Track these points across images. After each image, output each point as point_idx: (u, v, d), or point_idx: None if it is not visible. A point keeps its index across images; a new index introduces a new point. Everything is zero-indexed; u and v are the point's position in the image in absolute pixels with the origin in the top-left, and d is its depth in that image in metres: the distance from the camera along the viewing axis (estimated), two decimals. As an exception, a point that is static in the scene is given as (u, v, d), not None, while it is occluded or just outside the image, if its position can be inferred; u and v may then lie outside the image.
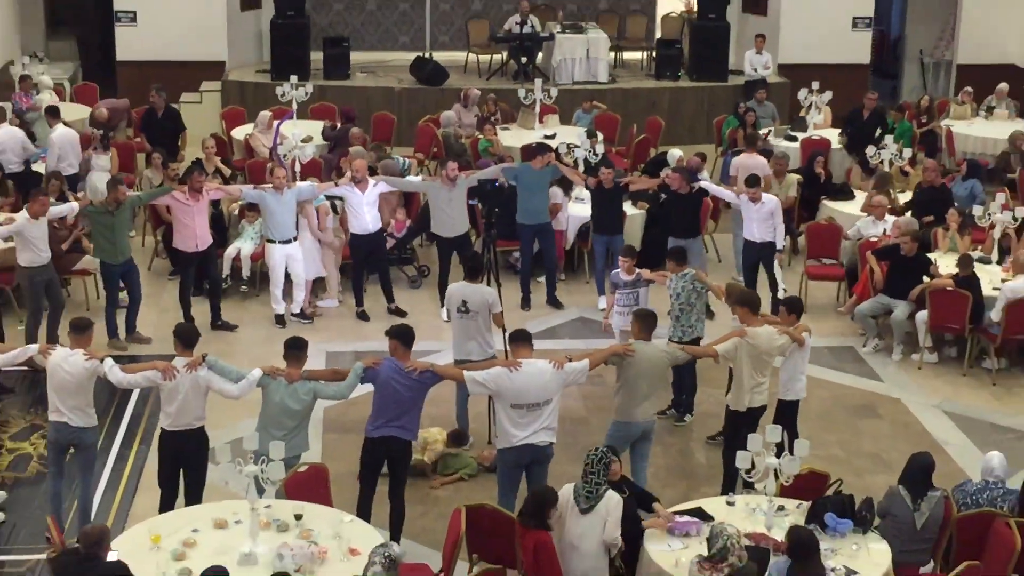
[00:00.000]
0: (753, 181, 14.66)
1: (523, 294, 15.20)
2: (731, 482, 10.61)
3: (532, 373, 9.88)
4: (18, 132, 16.96)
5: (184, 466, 10.02)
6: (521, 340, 10.18)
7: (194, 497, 10.03)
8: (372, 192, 14.73)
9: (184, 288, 14.46)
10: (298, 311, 14.75)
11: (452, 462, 11.54)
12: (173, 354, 10.01)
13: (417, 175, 16.80)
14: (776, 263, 14.73)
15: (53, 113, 17.26)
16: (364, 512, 9.78)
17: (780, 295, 14.08)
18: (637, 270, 12.67)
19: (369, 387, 10.07)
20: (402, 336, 10.09)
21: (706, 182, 15.31)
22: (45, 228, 13.42)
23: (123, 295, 14.11)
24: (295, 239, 14.59)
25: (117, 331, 13.94)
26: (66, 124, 17.61)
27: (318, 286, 15.20)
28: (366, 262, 14.94)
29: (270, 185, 14.52)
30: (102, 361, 9.91)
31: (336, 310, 15.06)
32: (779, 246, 14.68)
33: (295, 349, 9.95)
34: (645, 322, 10.55)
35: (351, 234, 14.88)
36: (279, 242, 14.45)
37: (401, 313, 14.62)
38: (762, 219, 14.44)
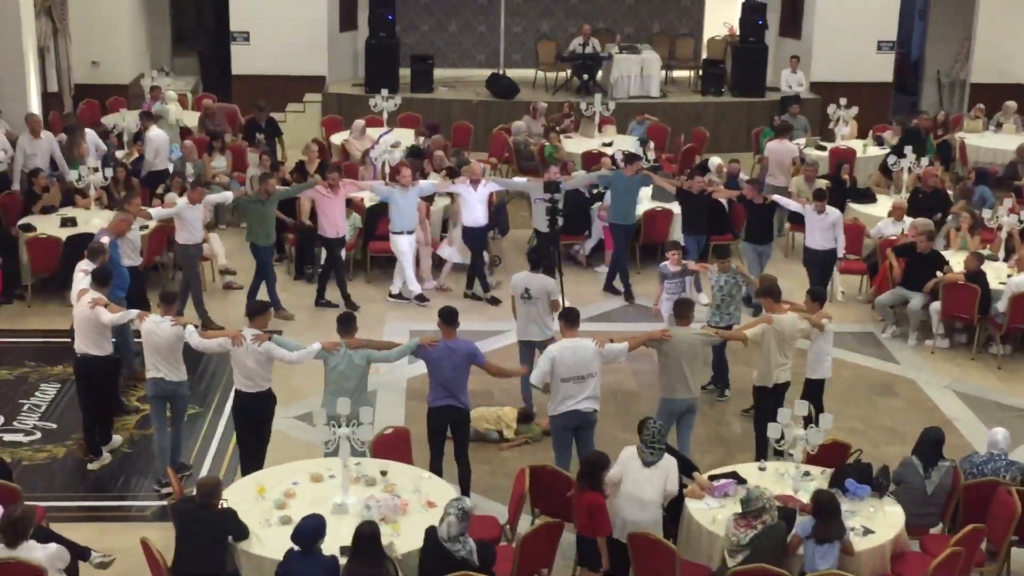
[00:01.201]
0: (819, 195, 14.33)
1: (624, 287, 14.98)
2: (763, 450, 10.56)
3: (576, 349, 9.91)
4: (90, 134, 16.82)
5: (255, 422, 10.15)
6: (567, 319, 10.23)
7: (261, 452, 10.16)
8: (483, 190, 14.66)
9: (339, 272, 14.51)
10: (396, 292, 14.72)
11: (521, 429, 11.57)
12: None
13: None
14: (836, 270, 14.30)
15: (148, 117, 17.36)
16: (434, 471, 9.80)
17: (829, 298, 13.88)
18: (683, 262, 12.61)
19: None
20: (444, 316, 10.12)
21: (777, 196, 14.82)
22: (201, 212, 13.71)
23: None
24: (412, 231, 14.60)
25: (280, 303, 14.05)
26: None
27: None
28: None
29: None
30: (184, 327, 10.12)
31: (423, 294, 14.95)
32: (839, 254, 14.24)
33: (346, 324, 10.02)
34: (682, 309, 10.52)
35: (464, 226, 14.82)
36: (405, 232, 14.45)
37: (476, 297, 14.62)
38: (824, 229, 14.02)
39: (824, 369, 11.12)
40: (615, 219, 15.02)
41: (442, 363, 9.89)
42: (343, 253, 15.08)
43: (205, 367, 12.60)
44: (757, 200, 14.34)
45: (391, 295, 14.74)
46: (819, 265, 14.20)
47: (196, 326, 10.34)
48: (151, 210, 13.66)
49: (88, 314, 10.52)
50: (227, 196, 14.36)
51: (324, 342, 9.97)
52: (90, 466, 10.88)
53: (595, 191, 15.70)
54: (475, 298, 14.73)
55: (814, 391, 10.99)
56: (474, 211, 14.63)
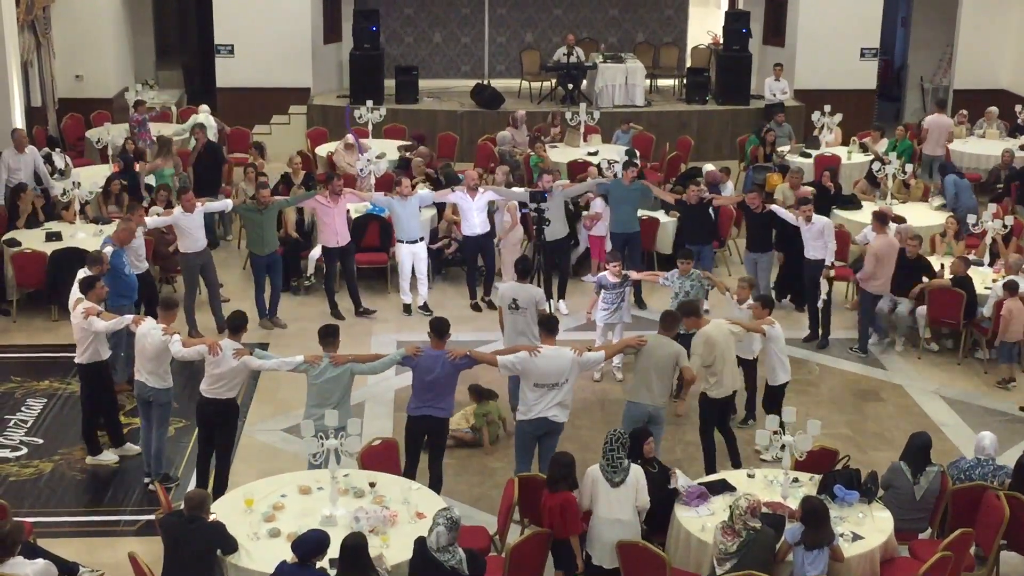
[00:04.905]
0: (802, 201, 14.30)
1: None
2: (711, 461, 10.61)
3: (554, 357, 9.89)
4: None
5: (215, 429, 10.17)
6: (545, 327, 10.21)
7: (223, 459, 10.20)
8: (481, 199, 14.62)
9: (329, 279, 14.54)
10: (422, 304, 14.68)
11: (492, 428, 11.55)
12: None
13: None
14: (822, 278, 14.05)
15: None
16: (407, 476, 9.75)
17: (819, 304, 13.89)
18: (624, 272, 12.58)
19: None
20: (434, 328, 10.12)
21: (774, 206, 14.61)
22: (198, 220, 13.70)
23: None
24: (421, 240, 14.58)
25: (266, 313, 14.12)
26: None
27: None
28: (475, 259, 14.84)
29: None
30: (171, 336, 10.15)
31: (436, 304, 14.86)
32: (827, 262, 13.96)
33: (330, 336, 9.97)
34: (668, 321, 10.50)
35: (463, 235, 14.83)
36: (406, 242, 14.44)
37: (478, 308, 14.67)
38: (812, 238, 13.83)
39: (782, 374, 11.20)
40: (614, 228, 14.90)
41: (431, 368, 9.86)
42: (309, 270, 15.16)
43: (191, 380, 12.55)
44: (758, 209, 14.27)
45: (418, 307, 14.65)
46: (810, 276, 13.98)
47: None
48: (147, 219, 13.65)
49: (82, 324, 10.66)
50: (227, 204, 14.44)
51: (307, 355, 9.94)
52: (88, 460, 11.07)
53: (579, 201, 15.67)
54: (477, 309, 14.74)
55: (776, 396, 11.10)
56: (471, 220, 14.61)
